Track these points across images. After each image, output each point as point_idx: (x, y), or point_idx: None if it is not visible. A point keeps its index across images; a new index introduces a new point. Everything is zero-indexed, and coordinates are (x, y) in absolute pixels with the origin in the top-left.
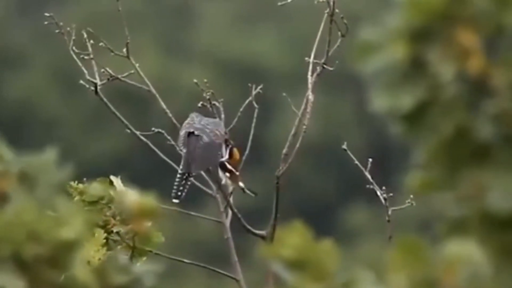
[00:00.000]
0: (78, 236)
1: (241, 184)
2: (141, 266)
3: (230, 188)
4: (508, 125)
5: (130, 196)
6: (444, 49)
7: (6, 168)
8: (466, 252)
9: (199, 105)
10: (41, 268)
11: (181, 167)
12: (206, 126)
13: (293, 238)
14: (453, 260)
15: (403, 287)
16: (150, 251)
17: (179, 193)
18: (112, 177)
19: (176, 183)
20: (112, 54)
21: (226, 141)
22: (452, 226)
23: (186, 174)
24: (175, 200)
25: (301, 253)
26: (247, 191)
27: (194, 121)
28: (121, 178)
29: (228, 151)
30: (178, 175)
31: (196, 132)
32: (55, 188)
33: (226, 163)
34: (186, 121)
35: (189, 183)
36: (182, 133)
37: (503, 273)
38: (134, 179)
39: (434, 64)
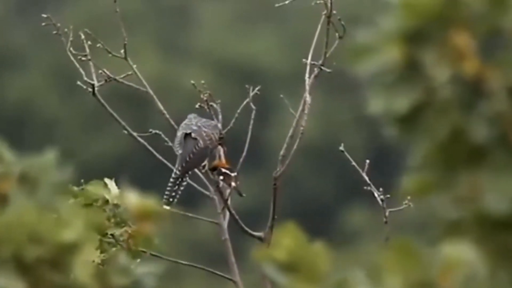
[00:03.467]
0: (79, 237)
1: (233, 184)
2: (142, 268)
3: (228, 191)
4: (503, 127)
5: (132, 198)
6: (439, 51)
7: (7, 169)
8: (462, 254)
9: (197, 106)
10: (42, 270)
11: (176, 168)
12: (202, 129)
13: (286, 240)
14: (449, 263)
15: None
16: (145, 252)
17: (171, 199)
18: (106, 179)
19: (168, 188)
20: (110, 55)
21: (221, 144)
22: (448, 228)
23: (179, 179)
24: (165, 206)
25: (294, 255)
26: (236, 191)
27: (192, 122)
28: (120, 179)
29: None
30: (171, 180)
31: (193, 135)
32: (56, 190)
33: (221, 168)
34: (184, 122)
35: (182, 188)
36: (179, 134)
37: (499, 275)
38: (133, 180)
39: (429, 66)
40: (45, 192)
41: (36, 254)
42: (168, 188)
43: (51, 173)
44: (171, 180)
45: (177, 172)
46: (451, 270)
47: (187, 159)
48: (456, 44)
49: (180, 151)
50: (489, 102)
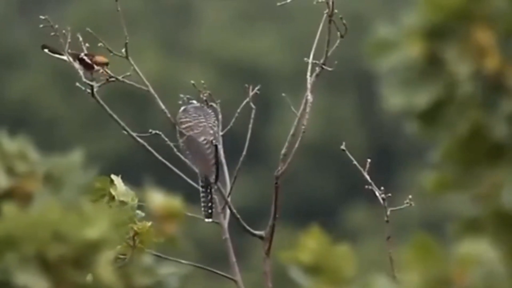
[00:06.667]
0: (102, 236)
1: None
2: (165, 268)
3: (228, 188)
4: None
5: (157, 198)
6: (461, 47)
7: (32, 168)
8: (480, 251)
9: (198, 105)
10: (65, 268)
11: (202, 177)
12: (215, 131)
13: (311, 242)
14: (467, 260)
15: (417, 285)
16: (149, 252)
17: (210, 211)
18: (112, 176)
19: (203, 201)
20: (111, 54)
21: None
22: (466, 225)
23: (209, 189)
24: (207, 220)
25: (318, 258)
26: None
27: (202, 123)
28: (121, 178)
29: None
30: (202, 192)
31: (214, 142)
32: (81, 189)
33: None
34: (196, 120)
35: (214, 196)
36: (201, 139)
37: None
38: (134, 180)
39: (450, 62)
40: (70, 192)
41: (59, 253)
42: (203, 200)
43: (76, 173)
44: (202, 190)
45: (213, 183)
46: (468, 267)
47: (217, 167)
48: (477, 41)
49: (209, 158)
50: (510, 99)
